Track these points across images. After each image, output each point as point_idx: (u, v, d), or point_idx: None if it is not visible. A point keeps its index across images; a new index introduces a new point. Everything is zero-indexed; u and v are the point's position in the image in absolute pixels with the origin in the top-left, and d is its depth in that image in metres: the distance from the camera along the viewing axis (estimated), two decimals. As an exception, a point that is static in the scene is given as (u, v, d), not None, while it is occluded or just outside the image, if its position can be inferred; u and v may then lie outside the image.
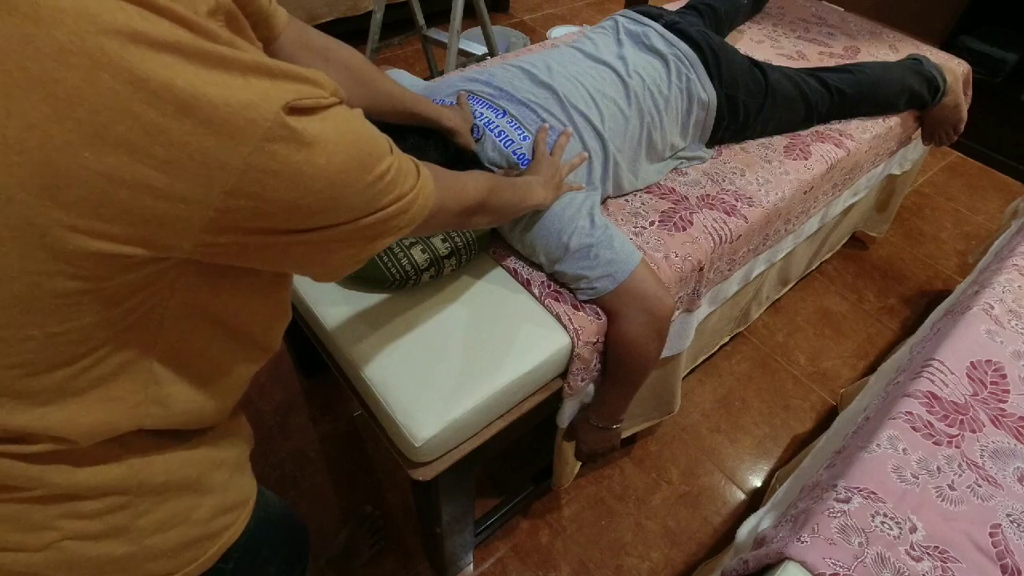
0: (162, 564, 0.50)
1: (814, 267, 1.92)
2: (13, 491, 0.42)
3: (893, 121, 1.56)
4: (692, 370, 1.67)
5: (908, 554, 0.82)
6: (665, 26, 1.29)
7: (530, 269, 1.07)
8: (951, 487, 0.90)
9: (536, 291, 1.04)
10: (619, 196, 1.23)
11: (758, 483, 1.51)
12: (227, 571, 0.56)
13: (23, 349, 0.39)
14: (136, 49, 0.34)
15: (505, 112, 1.07)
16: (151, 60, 0.35)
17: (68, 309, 0.39)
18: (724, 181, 1.29)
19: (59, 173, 0.35)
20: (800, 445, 1.58)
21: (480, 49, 2.21)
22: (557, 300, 1.03)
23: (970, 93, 1.76)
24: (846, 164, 1.45)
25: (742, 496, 1.49)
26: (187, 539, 0.51)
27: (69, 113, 0.34)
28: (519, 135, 1.04)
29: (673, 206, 1.22)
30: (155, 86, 0.35)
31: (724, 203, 1.23)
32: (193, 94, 0.36)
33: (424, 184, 0.55)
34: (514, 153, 1.03)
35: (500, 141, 1.04)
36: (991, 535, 0.86)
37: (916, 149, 1.80)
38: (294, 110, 0.39)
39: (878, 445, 0.94)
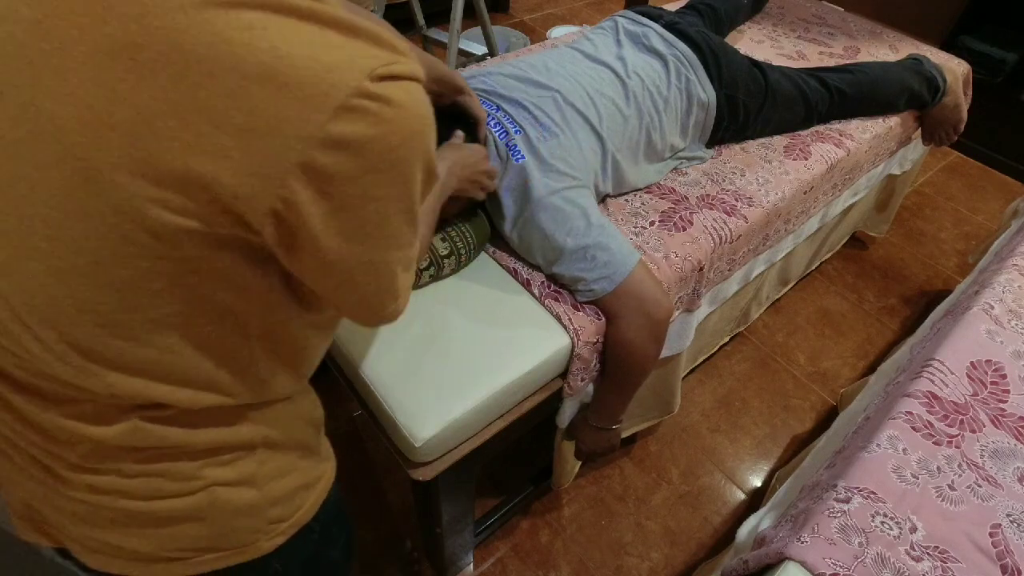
0: (278, 510, 0.56)
1: (814, 267, 1.92)
2: (164, 450, 0.48)
3: (893, 121, 1.56)
4: (692, 370, 1.67)
5: (908, 554, 0.82)
6: (665, 27, 1.29)
7: (530, 269, 1.07)
8: (951, 487, 0.90)
9: (536, 291, 1.04)
10: (619, 196, 1.23)
11: (758, 483, 1.51)
12: (315, 531, 0.62)
13: (146, 331, 0.41)
14: (217, 8, 0.33)
15: (499, 108, 1.07)
16: (233, 18, 0.33)
17: (173, 290, 0.40)
18: (724, 181, 1.29)
19: (148, 147, 0.34)
20: (800, 445, 1.58)
21: (480, 49, 2.21)
22: (557, 300, 1.03)
23: (970, 93, 1.76)
24: (846, 164, 1.45)
25: (742, 496, 1.49)
26: (295, 486, 0.58)
27: (153, 81, 0.33)
28: (512, 129, 1.04)
29: (673, 206, 1.22)
30: (237, 47, 0.33)
31: (724, 203, 1.23)
32: (276, 55, 0.34)
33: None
34: (507, 145, 1.03)
35: (497, 134, 1.04)
36: (991, 535, 0.86)
37: (916, 149, 1.80)
38: (377, 79, 0.37)
39: (878, 445, 0.94)
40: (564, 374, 1.04)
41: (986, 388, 1.04)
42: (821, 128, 1.48)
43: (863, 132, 1.49)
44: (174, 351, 0.43)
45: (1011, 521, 0.88)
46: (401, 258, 0.48)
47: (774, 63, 1.57)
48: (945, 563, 0.82)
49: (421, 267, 0.98)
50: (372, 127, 0.37)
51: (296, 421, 0.58)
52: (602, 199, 1.20)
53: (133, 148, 0.34)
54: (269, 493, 0.55)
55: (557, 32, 2.82)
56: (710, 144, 1.37)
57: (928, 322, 1.38)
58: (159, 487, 0.49)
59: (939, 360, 1.07)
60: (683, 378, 1.45)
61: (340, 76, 0.35)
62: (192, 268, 0.40)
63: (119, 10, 0.33)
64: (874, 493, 0.88)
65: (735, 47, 1.39)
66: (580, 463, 1.34)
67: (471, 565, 1.33)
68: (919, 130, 1.70)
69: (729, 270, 1.29)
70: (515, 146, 1.03)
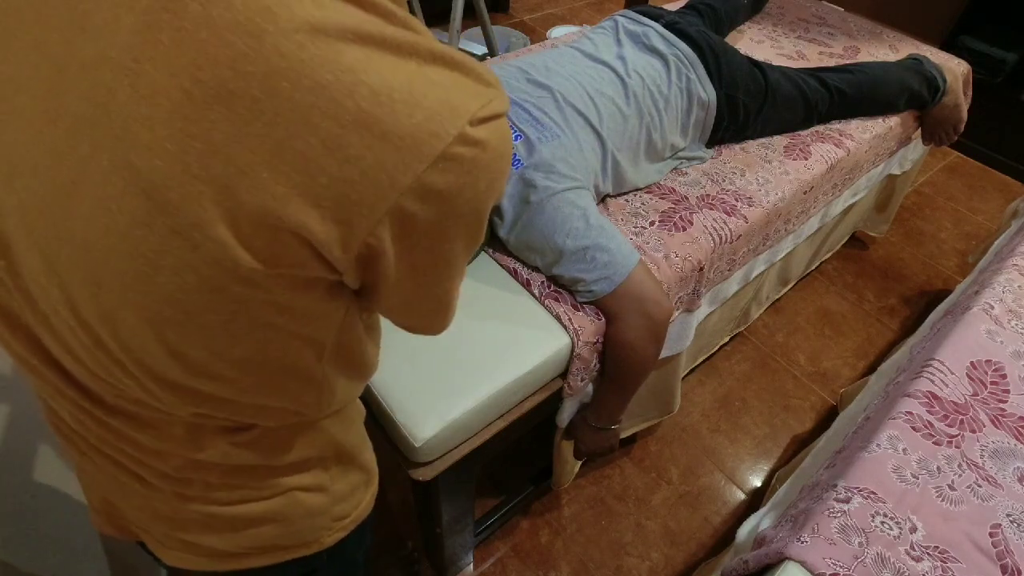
0: (341, 507, 0.61)
1: (814, 267, 1.93)
2: (249, 468, 0.51)
3: (893, 121, 1.56)
4: (692, 370, 1.67)
5: (908, 554, 0.82)
6: (665, 26, 1.29)
7: (530, 270, 1.07)
8: (951, 487, 0.90)
9: (536, 291, 1.04)
10: (619, 196, 1.23)
11: (758, 483, 1.51)
12: (357, 532, 0.66)
13: (233, 369, 0.42)
14: (314, 48, 0.31)
15: None
16: (332, 59, 0.31)
17: (257, 331, 0.40)
18: (724, 181, 1.29)
19: (241, 199, 0.33)
20: (800, 445, 1.58)
21: (480, 49, 2.21)
22: (557, 300, 1.03)
23: (970, 93, 1.76)
24: (846, 164, 1.45)
25: (742, 496, 1.49)
26: (356, 483, 0.62)
27: (247, 130, 0.31)
28: (511, 133, 1.04)
29: (673, 206, 1.22)
30: (335, 92, 0.31)
31: (724, 203, 1.23)
32: (376, 101, 0.32)
33: None
34: None
35: None
36: (991, 535, 0.86)
37: (916, 149, 1.80)
38: (477, 122, 0.35)
39: (878, 445, 0.94)
40: (564, 374, 1.04)
41: (986, 388, 1.04)
42: (821, 128, 1.48)
43: (863, 132, 1.49)
44: (257, 382, 0.44)
45: (1011, 521, 0.88)
46: (459, 283, 0.49)
47: (774, 63, 1.57)
48: (945, 563, 0.82)
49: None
50: (464, 175, 0.36)
51: (356, 421, 0.62)
52: (602, 199, 1.20)
53: (226, 201, 0.33)
54: (336, 493, 0.59)
55: (557, 32, 2.82)
56: (710, 144, 1.37)
57: (928, 322, 1.38)
58: (243, 495, 0.52)
59: (939, 360, 1.07)
60: (683, 378, 1.45)
61: (440, 124, 0.34)
62: (278, 309, 0.39)
63: (212, 55, 0.31)
64: (874, 493, 0.88)
65: (735, 47, 1.39)
66: (580, 463, 1.34)
67: (471, 565, 1.33)
68: (919, 130, 1.70)
69: (729, 270, 1.29)
70: (514, 156, 1.03)
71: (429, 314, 0.49)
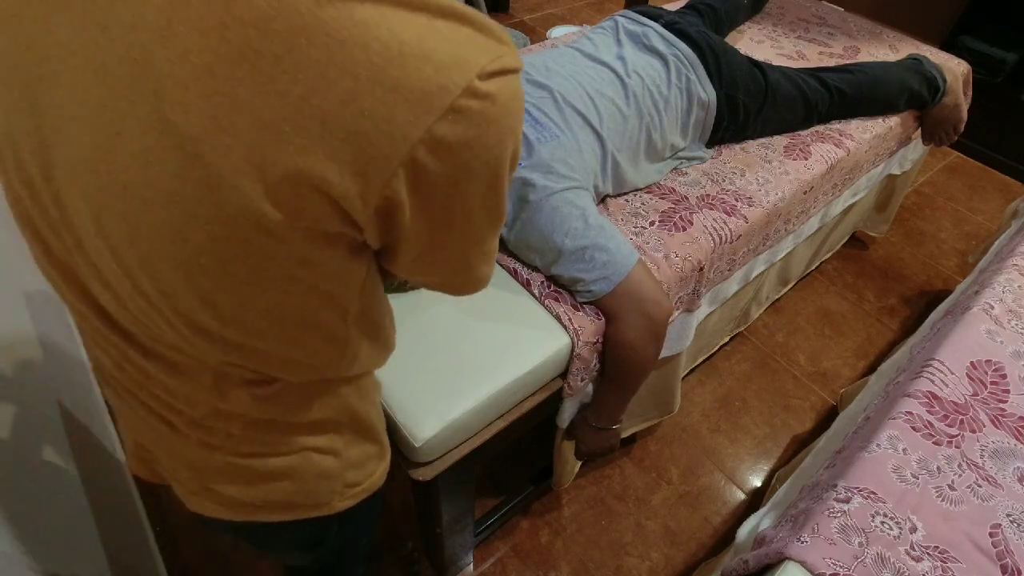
0: (353, 474, 0.63)
1: (814, 267, 1.93)
2: (269, 422, 0.54)
3: (893, 121, 1.56)
4: (692, 370, 1.67)
5: (908, 554, 0.82)
6: (665, 26, 1.29)
7: (530, 270, 1.07)
8: (951, 487, 0.90)
9: (536, 291, 1.04)
10: (619, 196, 1.23)
11: (758, 483, 1.51)
12: (368, 507, 0.69)
13: (260, 319, 0.44)
14: (330, 5, 0.33)
15: None
16: (347, 16, 0.33)
17: (283, 283, 0.42)
18: (724, 181, 1.29)
19: (266, 152, 0.35)
20: (800, 445, 1.58)
21: (480, 49, 2.21)
22: (557, 300, 1.03)
23: (970, 93, 1.76)
24: (846, 164, 1.45)
25: (742, 496, 1.49)
26: (368, 454, 0.65)
27: (271, 87, 0.33)
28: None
29: (673, 206, 1.22)
30: (351, 48, 0.33)
31: (724, 203, 1.23)
32: (387, 56, 0.34)
33: None
34: None
35: None
36: (991, 535, 0.86)
37: (916, 149, 1.80)
38: (486, 76, 0.36)
39: (878, 445, 0.94)
40: (564, 374, 1.04)
41: (986, 388, 1.04)
42: (821, 128, 1.48)
43: (863, 132, 1.49)
44: (282, 334, 0.46)
45: (1011, 521, 0.88)
46: (482, 251, 0.50)
47: (774, 63, 1.57)
48: (945, 563, 0.82)
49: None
50: (474, 127, 0.37)
51: (372, 393, 0.64)
52: (602, 199, 1.20)
53: (252, 154, 0.35)
54: (347, 460, 0.62)
55: (557, 32, 2.82)
56: (710, 144, 1.37)
57: (928, 322, 1.38)
58: (262, 448, 0.56)
59: (939, 360, 1.07)
60: (683, 378, 1.45)
61: (450, 76, 0.35)
62: (302, 263, 0.41)
63: (238, 15, 0.33)
64: (874, 493, 0.88)
65: (735, 47, 1.39)
66: (580, 463, 1.34)
67: (471, 565, 1.33)
68: (919, 130, 1.70)
69: (729, 270, 1.29)
70: None
71: (452, 274, 0.51)
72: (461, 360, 0.95)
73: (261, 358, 0.48)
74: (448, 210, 0.42)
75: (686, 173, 1.30)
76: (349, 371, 0.55)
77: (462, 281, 0.53)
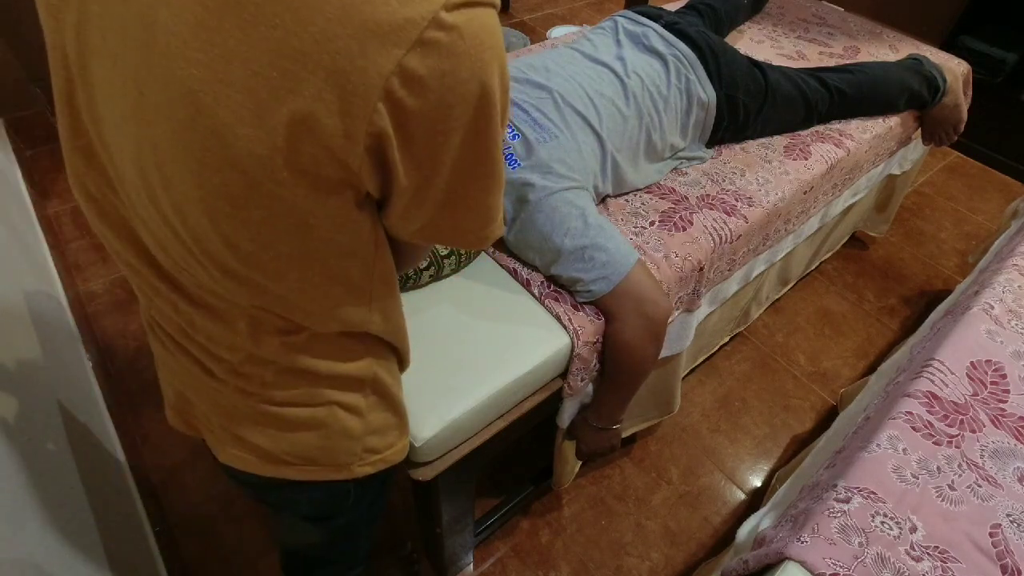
0: (374, 440, 0.66)
1: (814, 267, 1.92)
2: (299, 371, 0.57)
3: (893, 121, 1.56)
4: (692, 370, 1.67)
5: (908, 554, 0.82)
6: (664, 26, 1.29)
7: (529, 270, 1.07)
8: (951, 487, 0.90)
9: (536, 291, 1.04)
10: (619, 196, 1.23)
11: (758, 483, 1.51)
12: (382, 481, 0.72)
13: (280, 263, 0.47)
14: None
15: None
16: None
17: (297, 231, 0.44)
18: (724, 181, 1.29)
19: (260, 98, 0.37)
20: (800, 445, 1.58)
21: (480, 49, 2.20)
22: (557, 300, 1.03)
23: (970, 93, 1.76)
24: (846, 164, 1.45)
25: (742, 496, 1.49)
26: (389, 423, 0.67)
27: (256, 34, 0.36)
28: (508, 134, 1.04)
29: (673, 206, 1.22)
30: None
31: (724, 203, 1.23)
32: None
33: None
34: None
35: None
36: (991, 535, 0.86)
37: (916, 149, 1.80)
38: (452, 7, 0.37)
39: (878, 445, 0.94)
40: (564, 374, 1.04)
41: (986, 388, 1.04)
42: (821, 128, 1.48)
43: (863, 132, 1.49)
44: (306, 280, 0.49)
45: (1011, 521, 0.88)
46: (476, 204, 0.50)
47: (774, 63, 1.57)
48: (945, 563, 0.82)
49: (421, 267, 0.98)
50: (444, 60, 0.38)
51: (394, 371, 0.66)
52: (602, 199, 1.20)
53: (249, 101, 0.37)
54: (370, 424, 0.64)
55: (557, 32, 2.82)
56: (710, 144, 1.37)
57: (928, 322, 1.38)
58: (292, 396, 0.59)
59: (939, 360, 1.07)
60: (683, 378, 1.45)
61: (415, 8, 0.36)
62: (309, 211, 0.43)
63: None
64: (874, 493, 0.88)
65: (735, 47, 1.39)
66: (580, 463, 1.34)
67: (471, 565, 1.33)
68: (919, 130, 1.70)
69: (729, 270, 1.29)
70: (511, 154, 1.03)
71: (448, 221, 0.50)
72: (461, 360, 0.95)
73: (286, 304, 0.51)
74: (432, 150, 0.43)
75: (686, 173, 1.30)
76: (372, 326, 0.57)
77: (460, 232, 0.53)
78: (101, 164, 0.48)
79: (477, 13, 0.38)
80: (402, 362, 0.68)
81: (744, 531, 1.03)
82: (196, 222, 0.44)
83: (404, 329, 0.64)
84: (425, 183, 0.45)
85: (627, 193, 1.24)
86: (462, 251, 1.02)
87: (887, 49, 1.82)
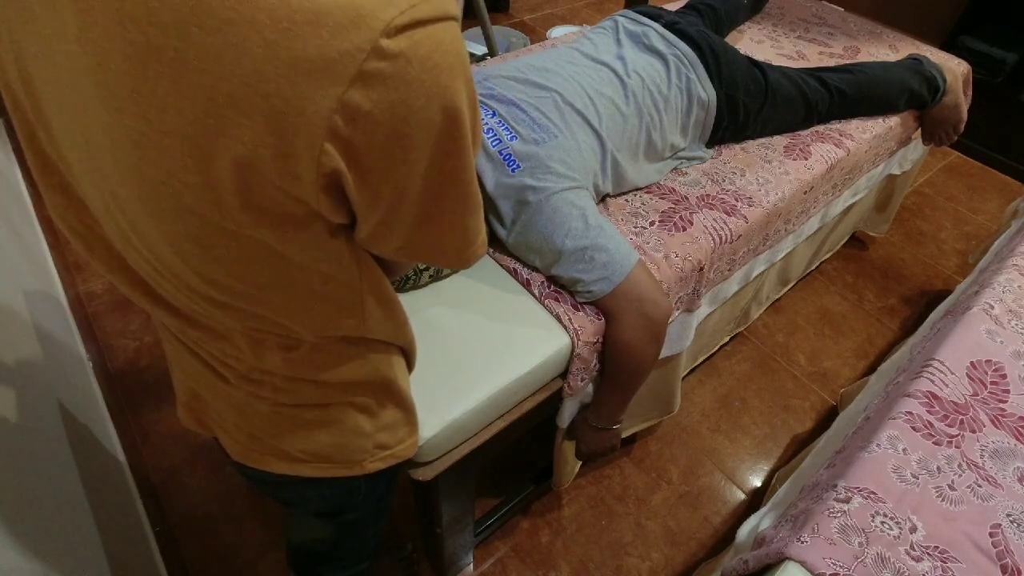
0: (385, 436, 0.66)
1: (814, 267, 1.92)
2: (306, 380, 0.57)
3: (893, 121, 1.56)
4: (692, 370, 1.67)
5: (908, 554, 0.82)
6: (665, 26, 1.29)
7: (530, 270, 1.07)
8: (951, 487, 0.90)
9: (536, 291, 1.04)
10: (619, 196, 1.23)
11: (758, 483, 1.51)
12: (393, 480, 0.74)
13: (262, 292, 0.46)
14: None
15: (495, 113, 1.06)
16: None
17: (270, 262, 0.44)
18: (724, 181, 1.29)
19: (201, 146, 0.35)
20: (800, 445, 1.58)
21: (480, 49, 2.21)
22: (557, 300, 1.03)
23: (970, 93, 1.76)
24: (846, 164, 1.45)
25: (742, 496, 1.49)
26: (398, 419, 0.67)
27: (184, 82, 0.33)
28: (507, 135, 1.04)
29: (673, 206, 1.22)
30: (241, 26, 0.31)
31: (724, 203, 1.23)
32: (278, 28, 0.31)
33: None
34: (500, 153, 1.02)
35: (489, 141, 1.03)
36: (991, 535, 0.86)
37: (916, 149, 1.80)
38: (395, 32, 0.33)
39: (878, 445, 0.94)
40: (564, 374, 1.04)
41: (986, 388, 1.04)
42: (821, 128, 1.48)
43: (863, 132, 1.49)
44: (292, 303, 0.48)
45: (1011, 521, 0.88)
46: (453, 217, 0.47)
47: (774, 63, 1.57)
48: (945, 563, 0.82)
49: (420, 267, 0.98)
50: (392, 91, 0.34)
51: (401, 367, 0.66)
52: (602, 199, 1.20)
53: (190, 150, 0.35)
54: (380, 421, 0.65)
55: (557, 32, 2.82)
56: (710, 144, 1.37)
57: (928, 322, 1.38)
58: (304, 398, 0.59)
59: (939, 360, 1.07)
60: (683, 378, 1.45)
61: (349, 39, 0.32)
62: (280, 246, 0.42)
63: (130, 11, 0.32)
64: (874, 493, 0.88)
65: (735, 47, 1.39)
66: (580, 463, 1.34)
67: (471, 565, 1.33)
68: (919, 130, 1.70)
69: (729, 270, 1.29)
70: (510, 156, 1.02)
71: (425, 241, 0.48)
72: (461, 360, 0.95)
73: (280, 323, 0.50)
74: (395, 180, 0.40)
75: (686, 173, 1.30)
76: (369, 333, 0.56)
77: (439, 256, 0.51)
78: (79, 198, 0.47)
79: (427, 33, 0.34)
80: (409, 358, 0.68)
81: (744, 531, 1.03)
82: (170, 261, 0.43)
83: (407, 328, 0.63)
84: (392, 209, 0.43)
85: (627, 193, 1.24)
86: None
87: (887, 49, 1.82)
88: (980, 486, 0.91)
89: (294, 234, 0.41)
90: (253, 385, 0.58)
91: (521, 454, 1.45)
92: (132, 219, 0.41)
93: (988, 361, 1.08)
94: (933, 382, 1.03)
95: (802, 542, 0.83)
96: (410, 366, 0.69)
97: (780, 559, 0.83)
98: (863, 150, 1.48)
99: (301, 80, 0.33)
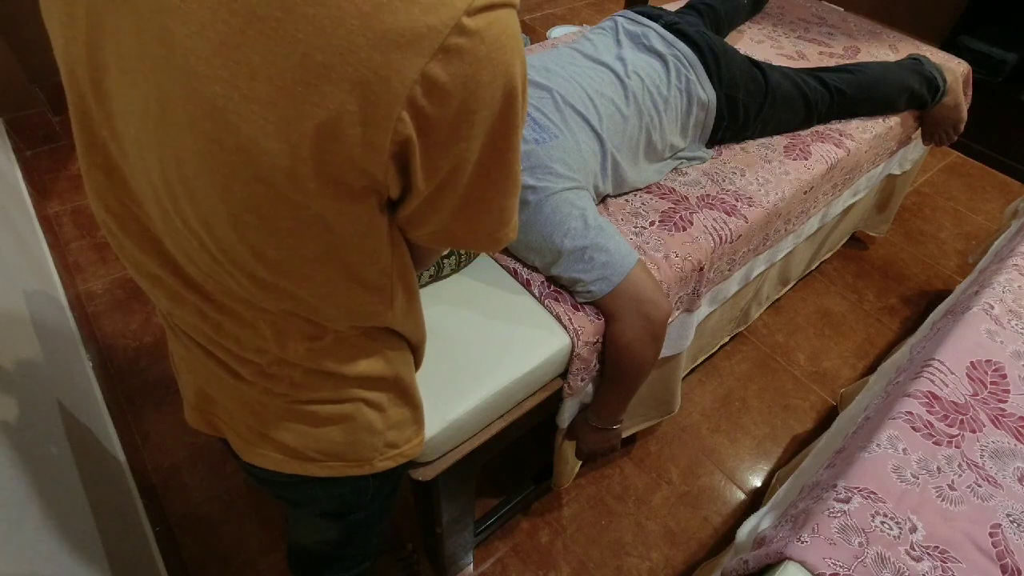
0: (394, 434, 0.67)
1: (814, 267, 1.92)
2: (326, 374, 0.58)
3: (893, 121, 1.56)
4: (692, 370, 1.67)
5: (908, 554, 0.82)
6: (664, 26, 1.29)
7: (530, 270, 1.07)
8: (951, 487, 0.90)
9: (536, 291, 1.04)
10: (619, 196, 1.23)
11: (758, 483, 1.51)
12: (398, 479, 0.75)
13: (306, 267, 0.48)
14: None
15: None
16: None
17: (322, 236, 0.45)
18: (724, 181, 1.29)
19: (285, 113, 0.37)
20: (800, 445, 1.58)
21: (480, 49, 2.20)
22: (557, 300, 1.03)
23: (970, 93, 1.76)
24: (846, 164, 1.45)
25: (742, 496, 1.49)
26: (408, 417, 0.68)
27: (278, 50, 0.35)
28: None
29: (673, 206, 1.22)
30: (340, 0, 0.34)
31: (724, 203, 1.23)
32: (375, 3, 0.34)
33: None
34: None
35: None
36: (991, 535, 0.86)
37: (916, 149, 1.80)
38: (474, 12, 0.36)
39: (878, 445, 0.94)
40: (564, 374, 1.04)
41: (986, 388, 1.04)
42: (821, 128, 1.48)
43: (863, 132, 1.49)
44: (330, 283, 0.49)
45: (1011, 521, 0.88)
46: (492, 207, 0.49)
47: (774, 63, 1.57)
48: (945, 563, 0.82)
49: (443, 253, 0.98)
50: (466, 67, 0.37)
51: (411, 364, 0.67)
52: (602, 199, 1.20)
53: (275, 116, 0.37)
54: (391, 419, 0.65)
55: (557, 32, 2.82)
56: (710, 144, 1.37)
57: (928, 322, 1.38)
58: (320, 395, 0.60)
59: (939, 360, 1.07)
60: (683, 378, 1.45)
61: (438, 15, 0.35)
62: (334, 218, 0.44)
63: None
64: (874, 493, 0.88)
65: (735, 47, 1.39)
66: (580, 463, 1.34)
67: (471, 565, 1.33)
68: (919, 130, 1.70)
69: (729, 270, 1.29)
70: None
71: (463, 224, 0.50)
72: (461, 360, 0.95)
73: (312, 307, 0.51)
74: (455, 155, 0.43)
75: (686, 173, 1.30)
76: (394, 321, 0.58)
77: (473, 238, 0.53)
78: (123, 178, 0.48)
79: (498, 15, 0.38)
80: (418, 357, 0.69)
81: (744, 531, 1.03)
82: (223, 234, 0.45)
83: (422, 325, 0.65)
84: (443, 186, 0.45)
85: (627, 193, 1.24)
86: (463, 251, 1.02)
87: (887, 49, 1.82)
88: (980, 486, 0.91)
89: (349, 207, 0.43)
90: (270, 381, 0.58)
91: (521, 454, 1.45)
92: (193, 188, 0.43)
93: (988, 361, 1.08)
94: (933, 382, 1.03)
95: (802, 542, 0.83)
96: (417, 365, 0.69)
97: (780, 559, 0.83)
98: (863, 150, 1.48)
99: (390, 51, 0.35)
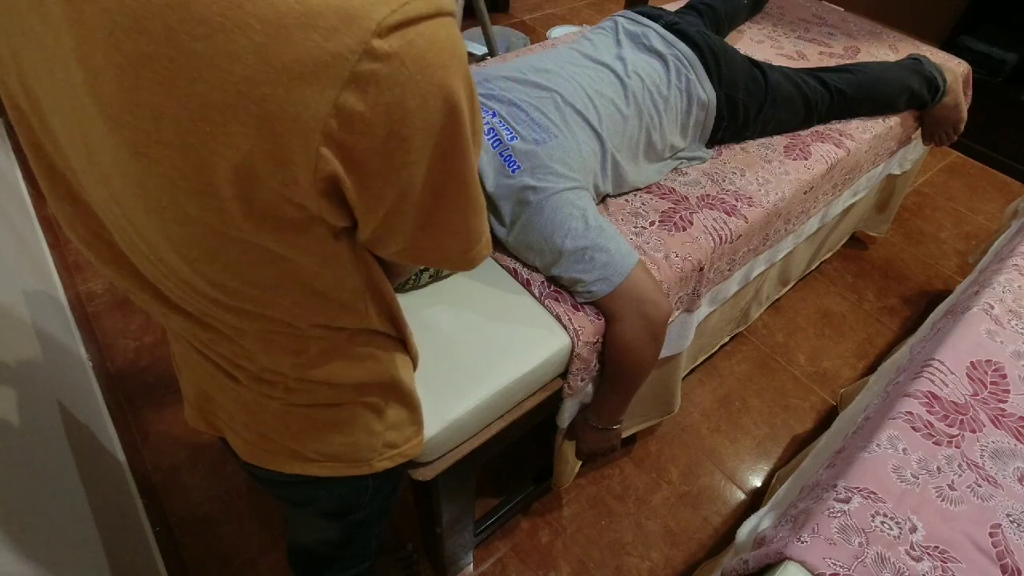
0: (393, 434, 0.67)
1: (814, 267, 1.92)
2: (317, 382, 0.57)
3: (893, 121, 1.56)
4: (692, 370, 1.67)
5: (908, 554, 0.82)
6: (664, 26, 1.29)
7: (530, 270, 1.07)
8: (951, 487, 0.90)
9: (536, 291, 1.04)
10: (619, 196, 1.23)
11: (758, 483, 1.51)
12: (398, 479, 0.75)
13: (268, 293, 0.47)
14: None
15: (495, 113, 1.06)
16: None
17: (276, 265, 0.44)
18: (724, 181, 1.29)
19: (199, 154, 0.35)
20: (800, 445, 1.58)
21: (480, 49, 2.21)
22: (557, 300, 1.03)
23: (970, 93, 1.76)
24: (846, 164, 1.45)
25: (742, 496, 1.49)
26: (406, 418, 0.68)
27: (176, 89, 0.33)
28: (507, 135, 1.03)
29: (673, 206, 1.22)
30: (230, 32, 0.31)
31: (724, 203, 1.23)
32: (268, 32, 0.31)
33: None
34: (501, 154, 1.02)
35: (489, 141, 1.03)
36: (991, 535, 0.86)
37: (916, 149, 1.80)
38: (387, 31, 0.32)
39: (878, 445, 0.94)
40: (564, 374, 1.04)
41: (986, 388, 1.04)
42: (821, 128, 1.48)
43: (863, 132, 1.49)
44: (298, 304, 0.48)
45: (1011, 521, 0.88)
46: (456, 217, 0.46)
47: (774, 63, 1.57)
48: (945, 563, 0.82)
49: (420, 267, 0.98)
50: (386, 92, 0.34)
51: (408, 365, 0.66)
52: (602, 199, 1.20)
53: (189, 158, 0.35)
54: (389, 420, 0.65)
55: (557, 32, 2.82)
56: (710, 144, 1.37)
57: (928, 322, 1.38)
58: (316, 399, 0.59)
59: (939, 360, 1.07)
60: (683, 378, 1.45)
61: (342, 40, 0.31)
62: (284, 249, 0.42)
63: (119, 21, 0.31)
64: (874, 493, 0.88)
65: (735, 47, 1.39)
66: (580, 463, 1.34)
67: (471, 565, 1.33)
68: (919, 130, 1.70)
69: (729, 270, 1.29)
70: (510, 157, 1.02)
71: (428, 243, 0.48)
72: (461, 360, 0.95)
73: (288, 322, 0.51)
74: (394, 182, 0.39)
75: (686, 173, 1.30)
76: (372, 324, 0.57)
77: (443, 257, 0.51)
78: (87, 206, 0.46)
79: (420, 31, 0.33)
80: (409, 350, 0.67)
81: (744, 531, 1.03)
82: (177, 267, 0.43)
83: (403, 319, 0.63)
84: (394, 211, 0.42)
85: (627, 193, 1.24)
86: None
87: (887, 49, 1.82)
88: (980, 486, 0.91)
89: (296, 238, 0.41)
90: (265, 385, 0.58)
91: (521, 454, 1.45)
92: (138, 228, 0.42)
93: (988, 361, 1.08)
94: (933, 382, 1.03)
95: (802, 542, 0.83)
96: (412, 358, 0.69)
97: (780, 559, 0.83)
98: (863, 150, 1.48)
99: (293, 84, 0.32)
